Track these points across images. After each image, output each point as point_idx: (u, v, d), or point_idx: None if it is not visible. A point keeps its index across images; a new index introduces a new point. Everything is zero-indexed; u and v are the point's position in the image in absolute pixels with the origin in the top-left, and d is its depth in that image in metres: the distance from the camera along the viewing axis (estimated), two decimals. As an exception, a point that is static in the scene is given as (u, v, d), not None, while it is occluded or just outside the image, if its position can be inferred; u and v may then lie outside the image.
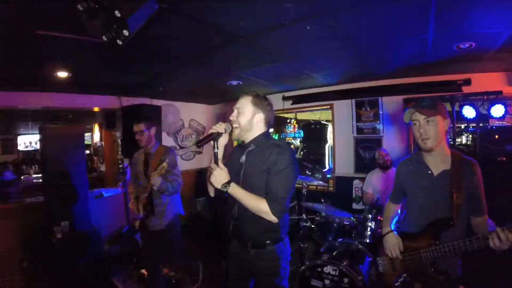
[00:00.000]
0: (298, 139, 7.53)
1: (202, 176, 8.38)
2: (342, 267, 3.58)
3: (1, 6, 2.45)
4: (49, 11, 2.56)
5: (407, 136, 5.60)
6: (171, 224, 4.09)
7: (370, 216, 4.25)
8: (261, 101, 2.50)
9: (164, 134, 6.92)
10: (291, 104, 6.96)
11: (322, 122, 7.16)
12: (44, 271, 4.95)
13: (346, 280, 3.54)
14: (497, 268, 3.38)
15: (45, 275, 4.89)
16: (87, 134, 11.16)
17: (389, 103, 5.77)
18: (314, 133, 7.07)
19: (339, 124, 6.44)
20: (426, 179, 2.48)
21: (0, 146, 14.24)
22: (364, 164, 5.99)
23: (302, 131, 7.41)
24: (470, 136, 5.15)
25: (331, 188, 6.51)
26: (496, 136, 4.58)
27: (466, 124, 5.12)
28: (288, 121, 7.73)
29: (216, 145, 2.30)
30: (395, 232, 2.69)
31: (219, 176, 2.25)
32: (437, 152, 2.41)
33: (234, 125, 2.44)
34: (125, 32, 1.99)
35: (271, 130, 2.60)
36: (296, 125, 7.65)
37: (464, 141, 5.24)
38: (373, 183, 5.22)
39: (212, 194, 2.61)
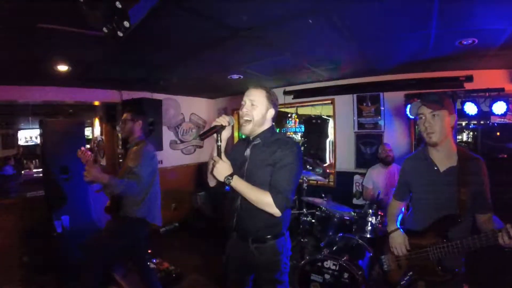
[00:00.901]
0: (299, 134, 7.51)
1: (202, 170, 8.39)
2: (342, 262, 3.60)
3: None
4: (50, 4, 2.56)
5: (408, 132, 5.59)
6: (121, 220, 3.62)
7: (370, 211, 4.26)
8: (273, 96, 2.51)
9: (164, 128, 6.90)
10: (292, 98, 6.94)
11: (323, 117, 7.14)
12: (44, 266, 4.97)
13: (346, 275, 3.56)
14: (500, 267, 3.40)
15: (46, 269, 4.90)
16: (87, 128, 11.15)
17: (391, 98, 5.75)
18: (315, 128, 7.04)
19: (340, 119, 6.43)
20: (432, 176, 2.46)
21: (0, 141, 14.26)
22: (364, 159, 5.98)
23: (303, 126, 7.39)
24: (471, 133, 5.14)
25: (331, 183, 6.52)
26: (498, 134, 4.60)
27: (467, 121, 5.10)
28: (289, 115, 7.71)
29: (219, 138, 2.29)
30: (401, 229, 2.69)
31: (222, 169, 2.24)
32: (442, 148, 2.41)
33: (247, 118, 2.43)
34: (126, 24, 1.97)
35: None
36: (297, 120, 7.63)
37: (465, 138, 5.24)
38: (374, 178, 5.23)
39: (212, 184, 2.60)
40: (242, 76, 5.71)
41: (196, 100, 8.59)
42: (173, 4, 2.61)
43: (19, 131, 14.23)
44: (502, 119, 4.70)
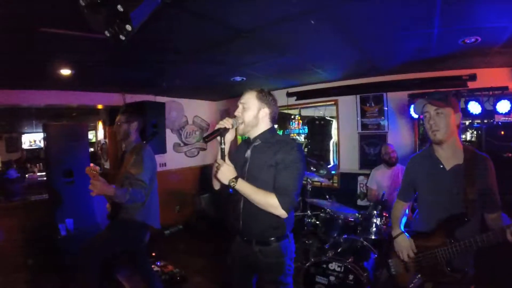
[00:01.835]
0: (302, 135, 7.48)
1: (206, 172, 8.42)
2: (347, 264, 3.58)
3: (4, 4, 2.45)
4: (52, 8, 2.56)
5: (412, 132, 5.57)
6: (120, 223, 3.58)
7: (375, 212, 4.23)
8: (265, 96, 2.50)
9: (168, 131, 6.91)
10: (295, 100, 6.94)
11: (327, 118, 7.13)
12: (49, 268, 4.98)
13: (351, 276, 3.54)
14: (509, 269, 3.37)
15: (50, 272, 4.91)
16: (91, 132, 11.18)
17: (394, 98, 5.73)
18: (318, 129, 7.03)
19: (344, 120, 6.43)
20: (438, 174, 2.44)
21: (4, 145, 14.34)
22: (368, 160, 5.97)
23: (306, 127, 7.36)
24: (475, 132, 5.11)
25: (335, 184, 6.50)
26: (502, 132, 4.56)
27: (471, 120, 5.06)
28: (292, 117, 7.68)
29: (222, 141, 2.29)
30: (405, 233, 2.66)
31: (227, 172, 2.25)
32: (448, 146, 2.39)
33: (239, 121, 2.43)
34: (128, 27, 1.97)
35: (275, 126, 2.60)
36: (300, 121, 7.60)
37: (469, 138, 5.20)
38: (378, 179, 5.20)
39: (217, 187, 2.60)
40: (245, 78, 5.72)
41: (199, 102, 8.60)
42: (175, 7, 2.60)
43: (23, 135, 14.32)
44: (506, 118, 4.67)
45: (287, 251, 2.48)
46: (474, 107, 4.55)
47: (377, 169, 5.32)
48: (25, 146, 14.48)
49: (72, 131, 5.76)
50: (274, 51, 4.18)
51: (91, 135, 11.13)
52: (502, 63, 4.70)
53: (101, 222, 5.49)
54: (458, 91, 4.72)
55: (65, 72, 4.62)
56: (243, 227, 2.50)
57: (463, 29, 3.35)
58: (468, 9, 2.86)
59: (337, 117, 6.57)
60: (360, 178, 6.05)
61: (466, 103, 4.61)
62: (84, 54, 3.93)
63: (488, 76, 4.81)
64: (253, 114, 2.44)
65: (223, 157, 2.29)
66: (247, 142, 2.60)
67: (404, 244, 2.59)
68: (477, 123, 4.97)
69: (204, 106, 8.78)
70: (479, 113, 4.56)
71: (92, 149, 10.04)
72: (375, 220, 4.21)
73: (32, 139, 14.57)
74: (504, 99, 4.40)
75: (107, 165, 8.94)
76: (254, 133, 2.50)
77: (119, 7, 1.85)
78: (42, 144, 13.79)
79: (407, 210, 2.86)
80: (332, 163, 6.91)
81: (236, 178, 2.25)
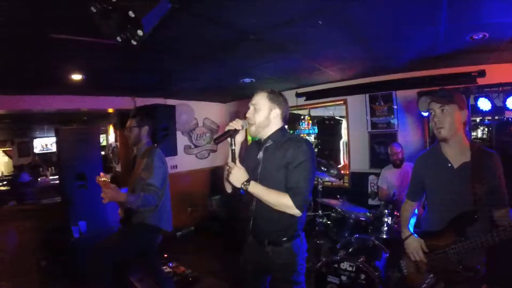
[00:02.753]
0: (313, 136, 7.47)
1: (216, 174, 8.46)
2: (359, 263, 3.57)
3: (16, 10, 2.50)
4: (63, 14, 2.60)
5: (422, 130, 5.54)
6: (133, 227, 3.64)
7: (386, 211, 4.24)
8: (276, 96, 2.51)
9: (178, 133, 6.95)
10: (305, 100, 6.94)
11: (336, 117, 7.12)
12: (62, 270, 5.06)
13: (363, 276, 3.52)
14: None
15: (63, 274, 4.99)
16: (101, 135, 11.29)
17: (403, 97, 5.71)
18: (328, 129, 7.04)
19: (353, 120, 6.41)
20: (447, 173, 2.44)
21: (16, 150, 14.60)
22: (379, 159, 5.93)
23: (316, 127, 7.37)
24: (486, 129, 5.07)
25: (346, 184, 6.49)
26: (512, 129, 4.51)
27: (481, 117, 5.03)
28: (302, 117, 7.69)
29: (233, 142, 2.30)
30: (415, 234, 2.65)
31: (238, 175, 2.25)
32: (454, 143, 2.39)
33: (250, 122, 2.45)
34: (140, 32, 2.01)
35: (286, 126, 2.62)
36: (310, 122, 7.60)
37: (479, 135, 5.15)
38: (388, 178, 5.19)
39: (229, 190, 2.59)
40: (254, 80, 5.75)
41: (208, 104, 8.65)
42: (184, 11, 2.63)
43: (34, 140, 14.54)
44: (517, 114, 4.62)
45: (299, 250, 2.48)
46: (484, 104, 4.51)
47: (387, 169, 5.31)
48: (37, 150, 14.73)
49: (84, 135, 5.86)
50: (282, 52, 4.19)
51: (101, 139, 11.24)
52: (511, 59, 4.65)
53: (114, 225, 5.56)
54: (467, 88, 4.68)
55: (76, 77, 4.68)
56: (255, 227, 2.52)
57: (470, 25, 3.34)
58: (474, 5, 2.85)
59: (346, 117, 6.55)
60: (371, 177, 6.02)
61: (476, 99, 4.57)
62: (95, 59, 3.98)
63: (497, 72, 4.75)
64: (265, 115, 2.45)
65: (233, 159, 2.29)
66: (258, 143, 2.60)
67: (414, 245, 2.59)
68: (488, 119, 4.94)
69: (214, 108, 8.83)
70: (489, 110, 4.51)
71: (103, 153, 10.14)
72: (386, 219, 4.21)
73: (44, 143, 14.79)
74: (513, 95, 4.36)
75: (118, 168, 9.03)
76: (265, 133, 2.50)
77: (131, 13, 1.89)
78: (53, 148, 14.07)
79: (416, 210, 2.85)
80: (342, 163, 6.90)
81: (248, 180, 2.25)
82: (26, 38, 3.09)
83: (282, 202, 2.24)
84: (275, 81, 6.02)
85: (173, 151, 6.03)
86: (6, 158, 14.92)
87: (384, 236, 4.14)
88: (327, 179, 5.11)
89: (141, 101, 6.83)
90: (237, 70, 5.11)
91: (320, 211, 4.80)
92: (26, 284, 4.95)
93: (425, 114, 4.83)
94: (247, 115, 2.49)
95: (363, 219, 4.48)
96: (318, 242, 4.64)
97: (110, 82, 5.46)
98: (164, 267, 4.70)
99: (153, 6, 1.98)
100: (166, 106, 6.42)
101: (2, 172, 14.01)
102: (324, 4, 2.76)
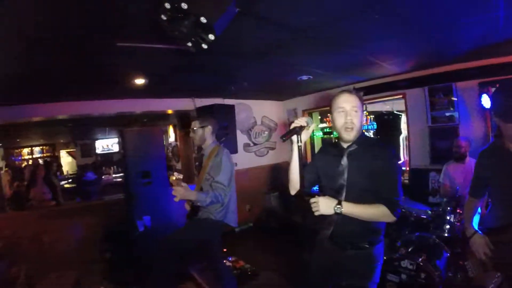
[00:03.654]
0: (371, 132, 7.34)
1: (275, 171, 8.59)
2: (420, 262, 3.51)
3: (84, 21, 2.68)
4: (128, 22, 2.78)
5: (484, 123, 5.22)
6: (200, 221, 3.80)
7: (449, 208, 4.12)
8: (362, 96, 2.46)
9: (238, 132, 7.10)
10: (362, 95, 6.78)
11: (395, 112, 6.95)
12: (126, 262, 5.35)
13: (423, 275, 3.46)
14: None
15: (127, 265, 5.27)
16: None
17: (464, 88, 5.43)
18: (387, 124, 6.86)
19: (413, 114, 6.21)
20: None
21: (79, 151, 15.61)
22: (440, 155, 5.68)
23: (375, 123, 7.23)
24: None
25: (406, 181, 6.32)
26: None
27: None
28: (364, 113, 7.54)
29: (299, 139, 2.28)
30: (479, 232, 2.57)
31: (326, 204, 2.22)
32: None
33: (350, 127, 2.33)
34: (211, 36, 2.10)
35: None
36: (369, 117, 7.48)
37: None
38: (450, 174, 5.01)
39: (293, 193, 2.56)
40: (311, 77, 5.76)
41: (266, 103, 8.75)
42: (243, 13, 2.68)
43: (96, 141, 15.48)
44: None
45: (379, 256, 2.45)
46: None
47: (449, 164, 5.10)
48: (99, 151, 15.70)
49: (148, 135, 6.14)
50: (338, 48, 4.17)
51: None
52: None
53: (177, 219, 5.79)
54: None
55: (139, 81, 4.93)
56: (337, 230, 2.47)
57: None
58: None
59: (406, 111, 6.36)
60: (432, 174, 5.81)
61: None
62: (157, 64, 4.17)
63: None
64: (362, 120, 2.40)
65: (300, 155, 2.27)
66: (334, 146, 2.57)
67: (479, 242, 2.53)
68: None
69: (271, 106, 8.91)
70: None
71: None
72: (448, 217, 4.10)
73: (105, 144, 15.72)
74: None
75: (178, 166, 9.36)
76: (355, 137, 2.40)
77: (202, 19, 1.98)
78: (114, 149, 14.98)
79: (479, 208, 2.77)
80: (402, 159, 6.74)
81: (339, 203, 2.21)
82: (92, 47, 3.31)
83: (380, 213, 2.23)
84: (332, 76, 5.99)
85: (233, 149, 6.18)
86: (70, 158, 16.04)
87: (446, 235, 4.03)
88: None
89: (200, 102, 7.04)
90: (294, 68, 5.14)
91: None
92: (90, 273, 5.29)
93: (487, 106, 4.62)
94: (349, 118, 2.34)
95: (424, 216, 4.37)
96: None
97: (170, 85, 5.70)
98: (224, 261, 4.83)
99: (223, 11, 2.06)
100: (225, 106, 6.59)
101: (67, 171, 15.02)
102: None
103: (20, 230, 5.61)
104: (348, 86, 6.83)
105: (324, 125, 8.36)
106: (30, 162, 14.20)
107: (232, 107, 6.59)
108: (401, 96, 6.37)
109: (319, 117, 8.51)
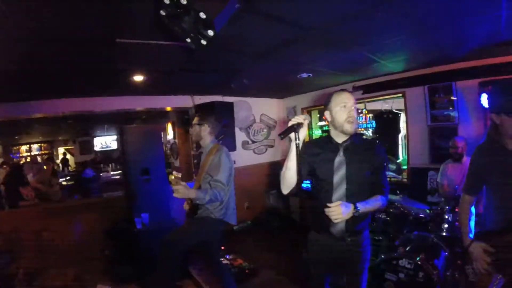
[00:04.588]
0: (370, 130, 7.35)
1: (274, 169, 8.56)
2: (418, 261, 3.50)
3: (84, 19, 2.68)
4: (128, 19, 2.76)
5: (484, 123, 5.18)
6: (200, 219, 3.81)
7: (447, 208, 4.12)
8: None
9: (236, 129, 7.10)
10: (362, 94, 6.81)
11: (395, 111, 6.94)
12: (125, 259, 5.35)
13: (421, 274, 3.45)
14: None
15: (126, 262, 5.26)
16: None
17: (464, 87, 5.41)
18: (386, 123, 6.83)
19: (412, 113, 6.19)
20: (507, 158, 2.35)
21: (78, 148, 15.63)
22: (440, 154, 5.66)
23: (374, 122, 7.22)
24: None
25: (405, 180, 6.32)
26: None
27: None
28: (359, 111, 7.54)
29: (297, 137, 2.28)
30: (476, 241, 2.56)
31: (345, 210, 2.26)
32: None
33: (351, 121, 2.46)
34: (210, 32, 2.09)
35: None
36: (368, 116, 7.49)
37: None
38: (448, 174, 5.00)
39: (285, 192, 2.59)
40: (311, 74, 5.75)
41: (265, 100, 8.74)
42: (247, 10, 2.68)
43: (95, 138, 15.50)
44: None
45: (368, 236, 2.69)
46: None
47: (446, 164, 5.10)
48: (97, 148, 15.73)
49: (147, 133, 6.12)
50: (341, 46, 4.16)
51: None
52: None
53: (175, 217, 5.79)
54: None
55: (138, 78, 4.92)
56: (336, 223, 2.47)
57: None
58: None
59: (405, 110, 6.34)
60: (431, 173, 5.81)
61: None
62: (157, 61, 4.16)
63: None
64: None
65: (298, 153, 2.29)
66: (328, 142, 2.64)
67: (478, 252, 2.50)
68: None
69: (270, 104, 8.90)
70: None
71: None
72: (447, 216, 4.09)
73: (104, 141, 15.72)
74: None
75: (176, 163, 9.36)
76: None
77: (202, 15, 1.98)
78: (113, 146, 15.00)
79: (473, 208, 2.76)
80: (401, 158, 6.74)
81: (355, 206, 2.32)
82: (92, 44, 3.29)
83: (380, 204, 2.49)
84: (332, 74, 5.97)
85: (232, 147, 6.18)
86: (68, 156, 16.00)
87: (444, 234, 4.04)
88: (389, 174, 5.02)
89: (199, 99, 7.05)
90: (295, 65, 5.13)
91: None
92: (90, 270, 5.32)
93: (487, 106, 4.61)
94: (353, 114, 2.48)
95: (423, 216, 4.38)
96: (376, 238, 4.60)
97: (170, 82, 5.69)
98: (222, 259, 4.83)
99: (223, 6, 2.06)
100: (225, 103, 6.60)
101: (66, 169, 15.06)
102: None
103: (20, 226, 5.61)
104: (347, 84, 6.86)
105: (323, 123, 8.32)
106: (28, 159, 14.23)
107: (231, 105, 6.61)
108: (400, 94, 6.36)
109: (318, 115, 8.46)
